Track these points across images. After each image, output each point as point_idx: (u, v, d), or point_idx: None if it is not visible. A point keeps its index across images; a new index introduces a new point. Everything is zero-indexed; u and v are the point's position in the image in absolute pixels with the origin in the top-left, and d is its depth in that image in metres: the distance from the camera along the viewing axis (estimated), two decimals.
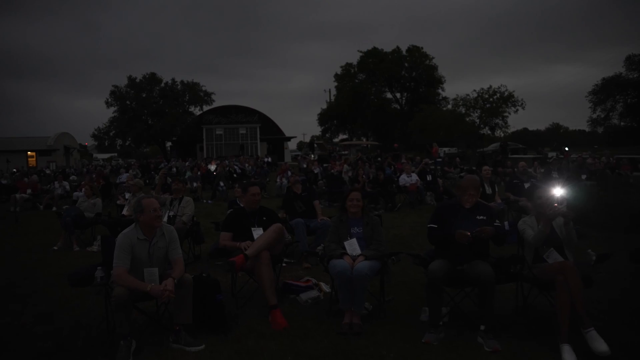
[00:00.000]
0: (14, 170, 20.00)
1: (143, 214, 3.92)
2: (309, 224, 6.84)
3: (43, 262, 7.39)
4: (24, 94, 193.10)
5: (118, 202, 12.15)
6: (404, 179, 13.48)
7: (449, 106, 42.09)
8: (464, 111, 37.75)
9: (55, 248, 8.30)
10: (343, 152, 35.00)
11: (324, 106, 55.62)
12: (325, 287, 5.29)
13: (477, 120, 37.77)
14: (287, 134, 52.26)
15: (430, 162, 16.00)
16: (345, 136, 61.58)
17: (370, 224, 4.63)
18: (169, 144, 50.25)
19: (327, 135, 59.13)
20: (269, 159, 32.18)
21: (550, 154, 29.34)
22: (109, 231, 8.42)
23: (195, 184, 16.23)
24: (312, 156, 36.86)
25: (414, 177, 13.61)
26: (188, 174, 20.65)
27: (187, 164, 28.37)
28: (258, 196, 5.17)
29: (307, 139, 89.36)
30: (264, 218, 5.10)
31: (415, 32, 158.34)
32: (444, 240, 4.12)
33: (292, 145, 64.17)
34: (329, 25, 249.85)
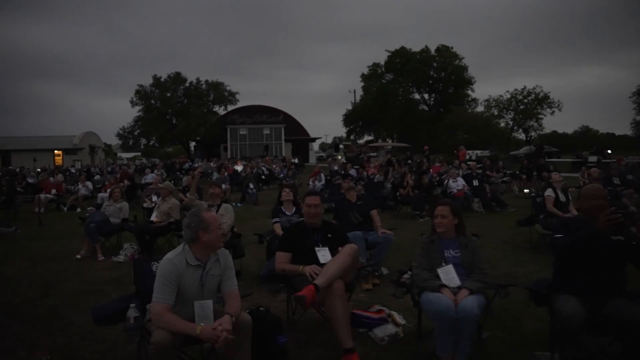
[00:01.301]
0: (38, 170, 19.48)
1: (207, 232, 3.00)
2: (367, 238, 5.89)
3: (65, 274, 6.59)
4: (51, 95, 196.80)
5: (145, 204, 11.41)
6: (449, 185, 12.46)
7: (481, 108, 40.80)
8: (496, 113, 36.44)
9: (79, 257, 7.51)
10: (371, 154, 33.90)
11: (346, 107, 54.71)
12: (399, 319, 4.33)
13: (511, 122, 36.43)
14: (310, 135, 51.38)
15: (477, 166, 14.88)
16: (370, 137, 60.52)
17: (469, 247, 3.66)
18: (192, 143, 49.90)
19: (352, 136, 58.12)
20: (296, 160, 31.31)
21: (590, 158, 27.73)
22: (136, 239, 7.65)
23: (223, 186, 15.37)
24: (340, 158, 35.89)
25: (460, 182, 12.57)
26: (215, 175, 19.92)
27: (212, 164, 27.67)
28: (317, 208, 4.20)
29: (329, 140, 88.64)
30: (329, 235, 4.16)
31: (438, 33, 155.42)
32: (581, 242, 3.16)
33: (314, 146, 63.28)
34: (350, 27, 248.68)
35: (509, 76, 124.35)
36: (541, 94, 35.16)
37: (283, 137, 47.05)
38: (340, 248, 3.93)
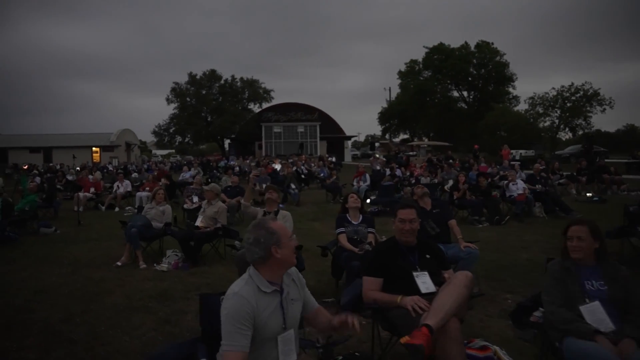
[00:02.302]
0: (78, 168, 19.25)
1: (280, 246, 2.31)
2: (447, 252, 5.08)
3: (105, 284, 6.02)
4: (88, 93, 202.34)
5: (185, 205, 10.86)
6: (509, 188, 11.52)
7: (523, 105, 39.23)
8: (541, 111, 34.78)
9: (119, 264, 6.94)
10: (410, 153, 32.85)
11: (382, 105, 53.67)
12: (507, 358, 3.53)
13: (557, 121, 34.73)
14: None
15: (541, 167, 13.82)
16: (406, 136, 59.28)
17: (619, 278, 2.84)
18: (227, 141, 49.77)
19: (387, 135, 57.03)
20: (334, 159, 30.54)
21: None
22: (180, 245, 7.04)
23: (264, 186, 14.74)
24: (378, 156, 34.97)
25: (521, 184, 11.59)
26: None
27: (248, 161, 27.20)
28: (413, 223, 3.43)
29: (362, 139, 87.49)
30: (428, 256, 3.39)
31: (469, 30, 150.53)
32: None
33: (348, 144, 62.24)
34: (382, 25, 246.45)
35: (546, 74, 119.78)
36: (590, 91, 33.38)
37: (318, 135, 46.37)
38: (446, 274, 3.17)
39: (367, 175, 15.63)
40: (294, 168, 19.81)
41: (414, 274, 3.20)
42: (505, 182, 12.14)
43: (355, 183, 15.43)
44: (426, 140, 50.82)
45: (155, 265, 6.88)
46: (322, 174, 19.93)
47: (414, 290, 3.11)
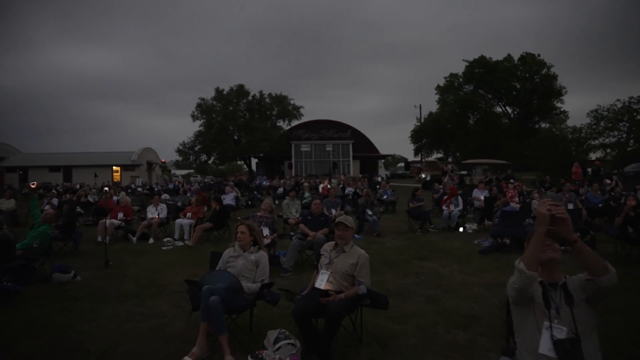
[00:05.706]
0: (106, 189, 16.18)
1: None
2: None
3: None
4: (109, 115, 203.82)
5: None
6: None
7: (574, 121, 35.89)
8: (607, 125, 31.35)
9: None
10: (462, 173, 29.59)
11: (398, 126, 50.93)
12: None
13: (624, 136, 31.20)
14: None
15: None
16: (440, 155, 55.91)
17: None
18: (254, 160, 46.93)
19: (420, 154, 53.74)
20: (381, 178, 27.37)
21: None
22: (299, 328, 3.98)
23: (334, 211, 11.74)
24: (423, 176, 31.81)
25: None
26: (306, 195, 16.35)
27: (284, 181, 24.21)
28: None
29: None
30: None
31: (483, 51, 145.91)
32: None
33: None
34: (394, 47, 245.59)
35: (577, 90, 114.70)
36: None
37: (351, 153, 43.33)
38: None
39: (460, 198, 12.50)
40: (340, 186, 16.78)
41: None
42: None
43: (445, 208, 12.32)
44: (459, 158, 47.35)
45: (250, 359, 3.86)
46: (385, 196, 16.87)
47: None
